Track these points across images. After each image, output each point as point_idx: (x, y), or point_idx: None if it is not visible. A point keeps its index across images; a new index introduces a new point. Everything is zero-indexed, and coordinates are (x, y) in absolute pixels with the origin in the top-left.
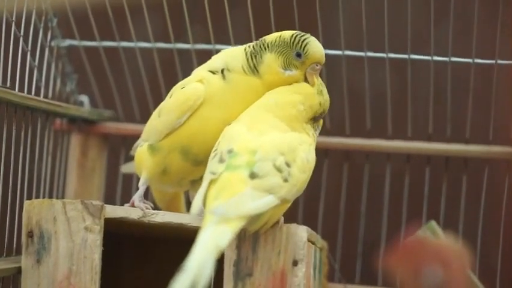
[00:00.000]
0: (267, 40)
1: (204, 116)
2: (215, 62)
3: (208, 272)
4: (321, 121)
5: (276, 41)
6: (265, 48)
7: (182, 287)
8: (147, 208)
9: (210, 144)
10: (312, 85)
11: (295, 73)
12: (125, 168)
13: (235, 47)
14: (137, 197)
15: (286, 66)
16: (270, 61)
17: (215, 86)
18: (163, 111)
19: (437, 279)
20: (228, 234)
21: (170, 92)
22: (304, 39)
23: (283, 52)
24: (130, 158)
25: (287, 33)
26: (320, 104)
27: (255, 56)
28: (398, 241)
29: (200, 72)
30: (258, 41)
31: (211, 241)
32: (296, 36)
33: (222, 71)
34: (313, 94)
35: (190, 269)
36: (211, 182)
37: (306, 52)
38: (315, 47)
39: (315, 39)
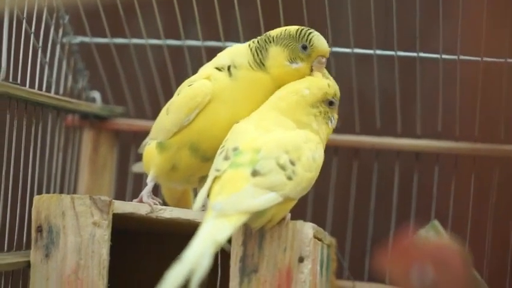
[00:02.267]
0: (272, 34)
1: (212, 112)
2: (221, 59)
3: (205, 264)
4: (336, 115)
5: (281, 34)
6: (270, 42)
7: (177, 277)
8: (155, 204)
9: (219, 141)
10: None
11: (302, 66)
12: (136, 167)
13: (238, 45)
14: (145, 193)
15: (292, 59)
16: (276, 54)
17: (222, 83)
18: (171, 109)
19: (427, 279)
20: (227, 229)
21: (177, 90)
22: (310, 32)
23: (288, 45)
24: (140, 155)
25: (292, 27)
26: (329, 86)
27: (261, 51)
28: (393, 241)
29: (206, 69)
30: (262, 36)
31: (210, 235)
32: (301, 30)
33: (228, 68)
34: (319, 78)
35: (186, 260)
36: (215, 179)
37: (311, 44)
38: (320, 40)
39: (319, 34)
